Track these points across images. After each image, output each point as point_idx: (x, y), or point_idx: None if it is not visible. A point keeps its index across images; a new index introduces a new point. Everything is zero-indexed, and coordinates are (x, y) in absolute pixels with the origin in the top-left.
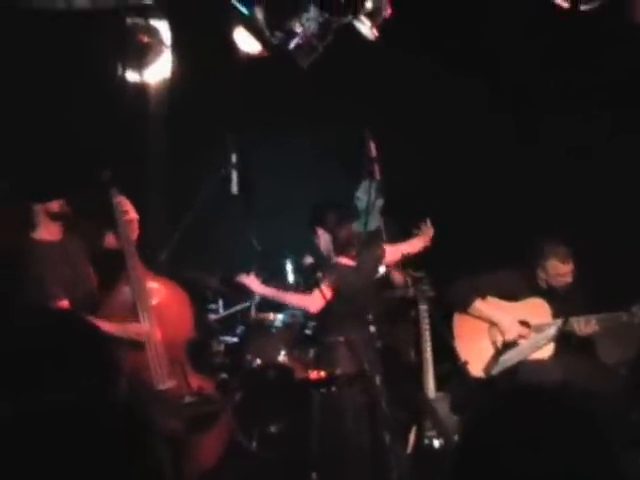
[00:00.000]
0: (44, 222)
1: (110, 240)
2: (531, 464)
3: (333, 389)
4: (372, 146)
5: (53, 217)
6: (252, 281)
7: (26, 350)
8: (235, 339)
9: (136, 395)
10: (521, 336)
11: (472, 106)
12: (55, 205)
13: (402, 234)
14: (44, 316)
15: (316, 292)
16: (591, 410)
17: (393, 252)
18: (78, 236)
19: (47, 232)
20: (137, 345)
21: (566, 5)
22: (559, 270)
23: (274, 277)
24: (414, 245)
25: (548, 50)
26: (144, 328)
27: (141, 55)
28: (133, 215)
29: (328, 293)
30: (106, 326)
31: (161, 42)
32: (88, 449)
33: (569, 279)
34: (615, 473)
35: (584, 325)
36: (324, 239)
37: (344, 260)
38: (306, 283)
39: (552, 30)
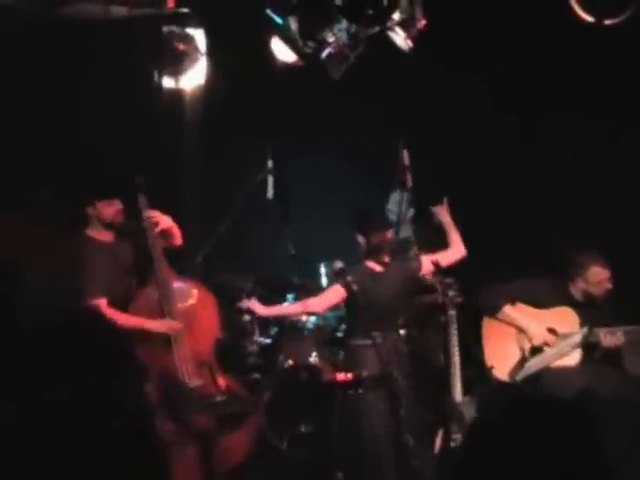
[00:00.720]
0: (97, 226)
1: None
2: (531, 467)
3: (360, 391)
4: (405, 155)
5: (104, 225)
6: (254, 305)
7: (55, 346)
8: (268, 340)
9: (168, 393)
10: (548, 343)
11: (507, 116)
12: (107, 214)
13: (433, 243)
14: (76, 315)
15: (331, 288)
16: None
17: (428, 263)
18: (128, 242)
19: (98, 233)
20: (167, 344)
21: (590, 19)
22: (602, 276)
23: (307, 281)
24: (448, 255)
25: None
26: (167, 324)
27: (177, 62)
28: (166, 224)
29: (346, 291)
30: (136, 321)
31: (197, 50)
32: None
33: (610, 285)
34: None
35: (609, 336)
36: (360, 243)
37: (371, 264)
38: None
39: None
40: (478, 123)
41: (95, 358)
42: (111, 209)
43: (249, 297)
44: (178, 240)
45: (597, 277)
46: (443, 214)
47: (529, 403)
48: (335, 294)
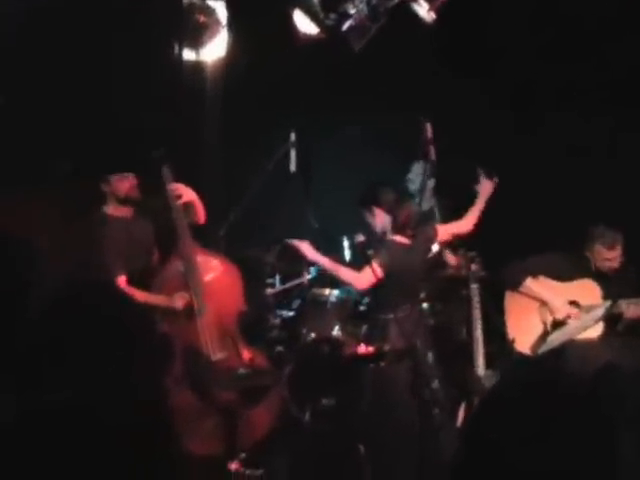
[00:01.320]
0: (113, 203)
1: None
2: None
3: (382, 364)
4: (428, 127)
5: (119, 200)
6: (305, 247)
7: (70, 325)
8: (291, 313)
9: (191, 365)
10: (570, 316)
11: (527, 91)
12: (121, 189)
13: (455, 214)
14: (93, 292)
15: (366, 270)
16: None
17: (443, 232)
18: (145, 216)
19: (115, 210)
20: (190, 317)
21: None
22: (604, 255)
23: (331, 254)
24: (462, 225)
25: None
26: (184, 297)
27: (198, 34)
28: (190, 196)
29: (378, 271)
30: (155, 299)
31: (218, 22)
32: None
33: (615, 264)
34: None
35: (632, 307)
36: (381, 218)
37: (399, 238)
38: (358, 260)
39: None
40: (528, 106)
41: (113, 336)
42: (125, 183)
43: (267, 286)
44: (201, 215)
45: (599, 255)
46: (486, 189)
47: (548, 380)
48: (370, 277)
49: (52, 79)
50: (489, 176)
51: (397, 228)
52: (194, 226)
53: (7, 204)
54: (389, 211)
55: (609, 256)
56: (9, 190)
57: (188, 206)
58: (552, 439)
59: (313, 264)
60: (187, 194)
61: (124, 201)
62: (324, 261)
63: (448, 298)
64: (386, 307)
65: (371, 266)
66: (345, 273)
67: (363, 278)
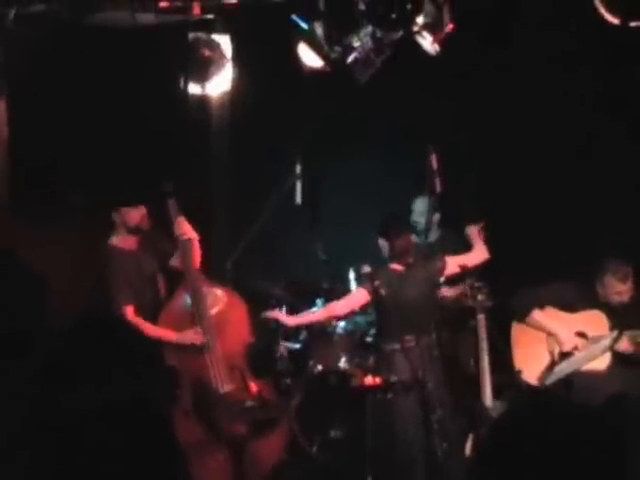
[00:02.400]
0: (122, 233)
1: (176, 262)
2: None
3: (389, 396)
4: (434, 159)
5: (130, 230)
6: (279, 315)
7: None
8: (298, 345)
9: (201, 398)
10: (577, 347)
11: (531, 119)
12: (133, 219)
13: (463, 245)
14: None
15: (356, 291)
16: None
17: (453, 264)
18: (151, 249)
19: (123, 241)
20: (197, 350)
21: (615, 21)
22: (615, 288)
23: (337, 285)
24: (472, 258)
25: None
26: (199, 333)
27: (203, 69)
28: (192, 235)
29: (365, 296)
30: (164, 334)
31: (223, 56)
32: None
33: (625, 298)
34: None
35: (634, 339)
36: (383, 248)
37: (395, 266)
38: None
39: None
40: (506, 127)
41: (123, 366)
42: (136, 214)
43: (275, 306)
44: (197, 256)
45: (610, 288)
46: (474, 235)
47: (556, 408)
48: (359, 297)
49: (63, 114)
50: (479, 222)
51: (393, 257)
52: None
53: (20, 238)
54: (388, 240)
55: (620, 289)
56: (22, 223)
57: (190, 243)
58: (563, 468)
59: (319, 296)
60: (189, 232)
61: (134, 231)
62: (301, 320)
63: (455, 329)
64: (391, 338)
65: (364, 287)
66: (330, 310)
67: (352, 299)
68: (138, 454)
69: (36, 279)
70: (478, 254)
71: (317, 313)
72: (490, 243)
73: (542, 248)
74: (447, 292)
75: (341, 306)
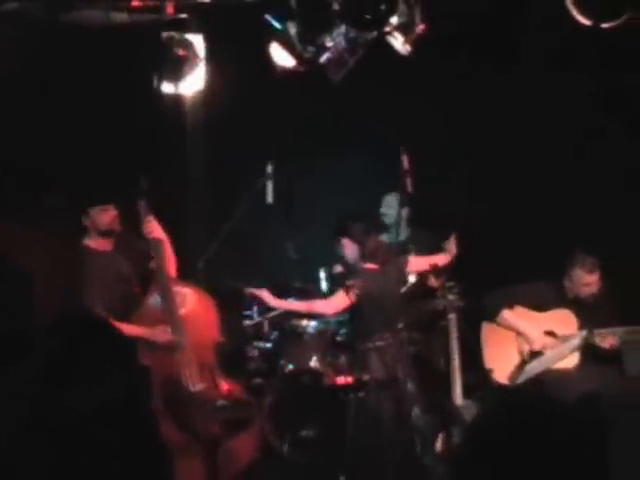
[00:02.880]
0: (94, 236)
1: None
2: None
3: (361, 394)
4: (405, 159)
5: (101, 233)
6: (264, 294)
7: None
8: (269, 345)
9: (172, 397)
10: (546, 346)
11: (502, 120)
12: (103, 222)
13: (433, 244)
14: (76, 323)
15: (337, 295)
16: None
17: (417, 263)
18: (126, 251)
19: (96, 243)
20: (169, 350)
21: (588, 22)
22: (584, 280)
23: (308, 285)
24: (440, 258)
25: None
26: (166, 333)
27: (177, 68)
28: (162, 237)
29: (351, 296)
30: (136, 330)
31: (196, 55)
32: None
33: (594, 290)
34: None
35: (606, 338)
36: (350, 249)
37: (369, 265)
38: (334, 291)
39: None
40: (477, 126)
41: (96, 367)
42: (106, 217)
43: (245, 318)
44: (169, 255)
45: (579, 280)
46: (452, 251)
47: (530, 405)
48: (342, 300)
49: (38, 113)
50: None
51: (365, 257)
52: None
53: None
54: (357, 242)
55: (588, 281)
56: None
57: (161, 243)
58: (538, 465)
59: (291, 295)
60: (156, 232)
61: (105, 234)
62: (286, 304)
63: (427, 328)
64: (365, 336)
65: (344, 290)
66: (314, 306)
67: (334, 302)
68: (126, 455)
69: (20, 279)
70: (444, 256)
71: (299, 304)
72: (461, 245)
73: (512, 248)
74: (434, 282)
75: (324, 305)
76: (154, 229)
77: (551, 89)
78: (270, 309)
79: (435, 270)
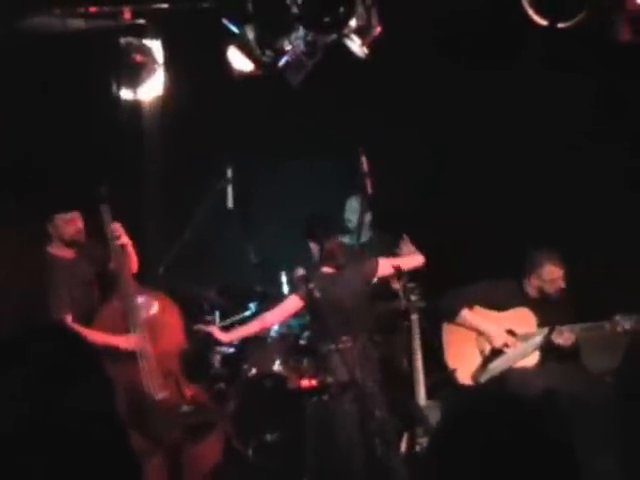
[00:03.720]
0: (58, 243)
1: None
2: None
3: (325, 397)
4: (364, 161)
5: (65, 243)
6: (214, 331)
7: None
8: (231, 349)
9: (134, 405)
10: (507, 345)
11: (461, 117)
12: (67, 233)
13: (394, 246)
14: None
15: (288, 299)
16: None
17: (384, 266)
18: (88, 257)
19: (59, 250)
20: (132, 356)
21: (544, 22)
22: (554, 273)
23: (270, 288)
24: (407, 261)
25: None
26: (133, 340)
27: (135, 74)
28: (125, 240)
29: (298, 303)
30: (97, 337)
31: (154, 61)
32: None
33: (562, 284)
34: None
35: (565, 335)
36: (314, 250)
37: (326, 269)
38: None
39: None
40: (437, 125)
41: (61, 372)
42: (71, 227)
43: (209, 313)
44: (133, 261)
45: (550, 275)
46: (407, 245)
47: (493, 403)
48: (292, 304)
49: None
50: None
51: (323, 259)
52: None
53: None
54: (317, 242)
55: (558, 274)
56: None
57: (124, 249)
58: (501, 463)
59: (252, 299)
60: (123, 237)
61: (69, 244)
62: (236, 334)
63: (388, 329)
64: (327, 339)
65: (297, 294)
66: (264, 320)
67: (283, 308)
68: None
69: None
70: (413, 258)
71: (250, 326)
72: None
73: (471, 248)
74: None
75: (274, 315)
76: (120, 234)
77: (545, 89)
78: (234, 312)
79: (399, 272)
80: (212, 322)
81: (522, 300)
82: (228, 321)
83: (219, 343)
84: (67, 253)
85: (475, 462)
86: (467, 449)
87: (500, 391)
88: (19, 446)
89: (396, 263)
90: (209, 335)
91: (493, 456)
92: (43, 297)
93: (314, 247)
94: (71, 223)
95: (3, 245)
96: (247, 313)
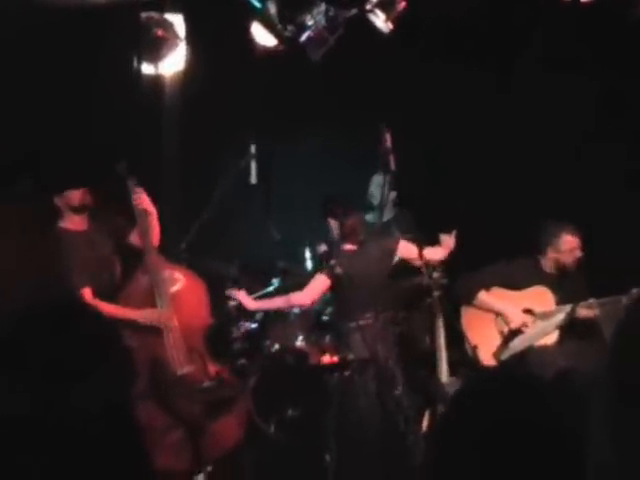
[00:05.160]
0: (68, 214)
1: (135, 238)
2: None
3: (346, 374)
4: (387, 138)
5: (75, 210)
6: (243, 296)
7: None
8: (254, 325)
9: (156, 380)
10: (525, 324)
11: (481, 99)
12: (75, 198)
13: (416, 225)
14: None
15: (316, 279)
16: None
17: (408, 249)
18: (104, 228)
19: (72, 223)
20: (156, 331)
21: None
22: (573, 244)
23: (293, 265)
24: (436, 252)
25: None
26: (157, 313)
27: (156, 48)
28: (150, 209)
29: (332, 277)
30: (124, 312)
31: (175, 35)
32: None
33: (579, 253)
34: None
35: (584, 309)
36: (334, 228)
37: (347, 246)
38: (320, 270)
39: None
40: (460, 107)
41: (79, 350)
42: (77, 193)
43: (239, 287)
44: (156, 234)
45: (568, 245)
46: (447, 244)
47: (511, 384)
48: (320, 284)
49: (13, 95)
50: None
51: (343, 237)
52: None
53: None
54: (338, 220)
55: (576, 244)
56: None
57: (149, 216)
58: (516, 440)
59: (275, 275)
60: (149, 205)
61: (79, 210)
62: (264, 304)
63: (411, 306)
64: (348, 316)
65: (323, 272)
66: (292, 299)
67: (312, 289)
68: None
69: None
70: (442, 251)
71: (276, 300)
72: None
73: (489, 226)
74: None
75: (302, 296)
76: (143, 201)
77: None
78: (256, 288)
79: (425, 262)
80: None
81: (539, 278)
82: (251, 296)
83: (244, 311)
84: (79, 224)
85: (477, 447)
86: (474, 423)
87: (513, 369)
88: (24, 445)
89: (428, 254)
90: (240, 301)
91: (494, 441)
92: (62, 275)
93: (333, 224)
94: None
95: (19, 227)
96: (270, 289)
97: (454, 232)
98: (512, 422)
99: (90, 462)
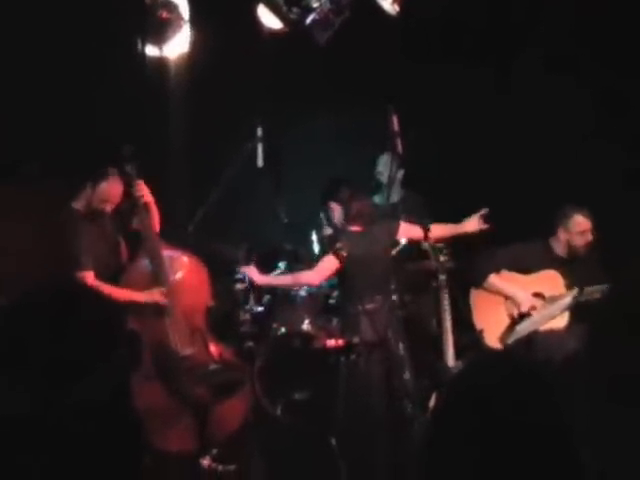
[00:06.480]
0: (85, 200)
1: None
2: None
3: (352, 357)
4: (394, 120)
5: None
6: (251, 271)
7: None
8: (261, 308)
9: (162, 362)
10: (534, 308)
11: (481, 99)
12: (114, 201)
13: (424, 207)
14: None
15: (324, 260)
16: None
17: (412, 230)
18: (112, 213)
19: (85, 207)
20: (158, 312)
21: None
22: (584, 226)
23: (299, 248)
24: (445, 228)
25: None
26: (158, 294)
27: (160, 30)
28: (148, 197)
29: (335, 261)
30: (126, 294)
31: (180, 17)
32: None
33: (590, 237)
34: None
35: (594, 295)
36: (337, 212)
37: (354, 227)
38: (324, 254)
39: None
40: (493, 95)
41: (83, 331)
42: (117, 197)
43: (248, 263)
44: (155, 220)
45: (579, 227)
46: (471, 226)
47: (517, 367)
48: (329, 265)
49: (16, 78)
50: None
51: (350, 219)
52: (162, 222)
53: None
54: (342, 204)
55: (587, 226)
56: None
57: (147, 207)
58: (521, 424)
59: (282, 258)
60: (147, 194)
61: (96, 212)
62: (272, 280)
63: (417, 290)
64: (355, 299)
65: (332, 254)
66: (301, 278)
67: (320, 269)
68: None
69: None
70: (451, 230)
71: (286, 278)
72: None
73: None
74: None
75: (311, 276)
76: (145, 192)
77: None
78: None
79: (427, 238)
80: (241, 280)
81: (550, 262)
82: None
83: (252, 294)
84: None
85: (469, 440)
86: (472, 405)
87: (523, 353)
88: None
89: (428, 233)
90: (249, 277)
91: (488, 432)
92: (71, 255)
93: (336, 208)
94: (113, 186)
95: (29, 210)
96: (276, 272)
97: (482, 211)
98: (507, 412)
99: (90, 462)
